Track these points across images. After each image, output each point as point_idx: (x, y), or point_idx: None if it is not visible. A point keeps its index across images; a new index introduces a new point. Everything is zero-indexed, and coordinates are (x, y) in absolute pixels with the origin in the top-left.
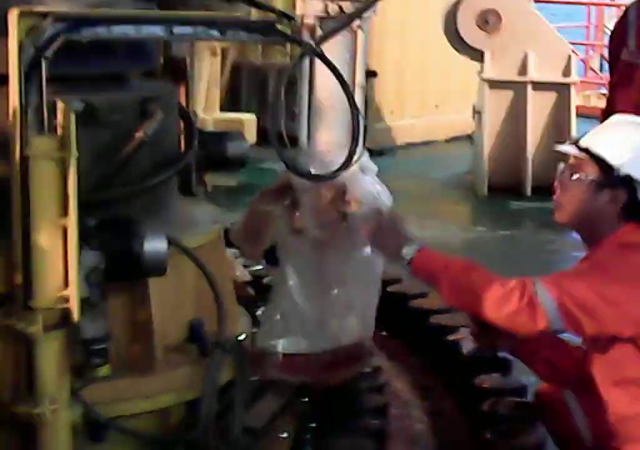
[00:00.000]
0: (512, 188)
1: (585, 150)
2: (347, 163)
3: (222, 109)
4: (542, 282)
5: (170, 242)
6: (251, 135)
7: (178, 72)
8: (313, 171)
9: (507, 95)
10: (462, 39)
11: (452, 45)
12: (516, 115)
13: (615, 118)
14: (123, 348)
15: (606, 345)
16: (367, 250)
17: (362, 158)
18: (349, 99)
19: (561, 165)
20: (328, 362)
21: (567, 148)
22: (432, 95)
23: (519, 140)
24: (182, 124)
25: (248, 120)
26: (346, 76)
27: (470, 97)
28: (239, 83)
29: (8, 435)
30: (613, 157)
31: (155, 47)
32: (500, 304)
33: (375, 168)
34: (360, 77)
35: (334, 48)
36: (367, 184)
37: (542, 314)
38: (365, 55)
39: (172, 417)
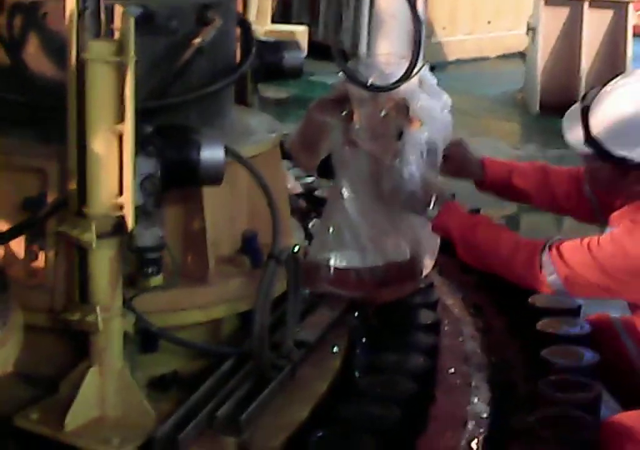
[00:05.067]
0: (564, 106)
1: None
2: (407, 74)
3: (273, 20)
4: (550, 253)
5: (226, 151)
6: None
7: None
8: (372, 82)
9: (563, 12)
10: None
11: None
12: (571, 33)
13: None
14: (176, 258)
15: None
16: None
17: (422, 70)
18: (411, 9)
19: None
20: (381, 277)
21: (573, 140)
22: (484, 11)
23: (573, 58)
24: (239, 33)
25: (299, 32)
26: None
27: (523, 13)
28: None
29: (61, 343)
30: (627, 150)
31: None
32: (507, 264)
33: (434, 80)
34: None
35: None
36: (427, 99)
37: (546, 284)
38: None
39: (224, 328)
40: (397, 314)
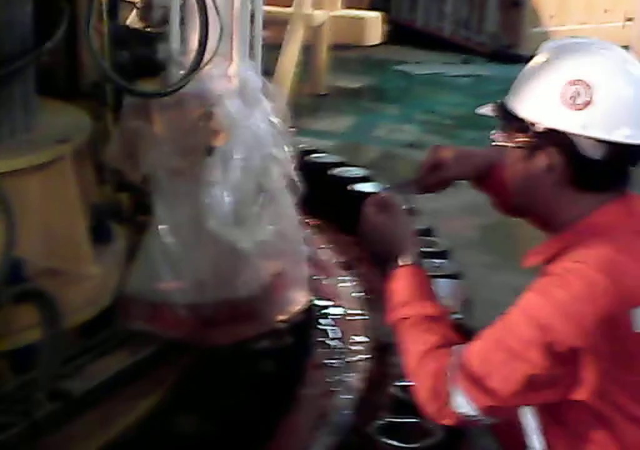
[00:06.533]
0: None
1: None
2: (188, 74)
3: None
4: (459, 382)
5: None
6: (374, 35)
7: None
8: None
9: None
10: None
11: None
12: None
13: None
14: None
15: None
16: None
17: (245, 71)
18: None
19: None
20: (209, 316)
21: (485, 109)
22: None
23: None
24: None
25: (371, 18)
26: None
27: None
28: None
29: None
30: (527, 110)
31: None
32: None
33: (259, 84)
34: None
35: None
36: (239, 107)
37: (458, 418)
38: None
39: None
40: (227, 362)
